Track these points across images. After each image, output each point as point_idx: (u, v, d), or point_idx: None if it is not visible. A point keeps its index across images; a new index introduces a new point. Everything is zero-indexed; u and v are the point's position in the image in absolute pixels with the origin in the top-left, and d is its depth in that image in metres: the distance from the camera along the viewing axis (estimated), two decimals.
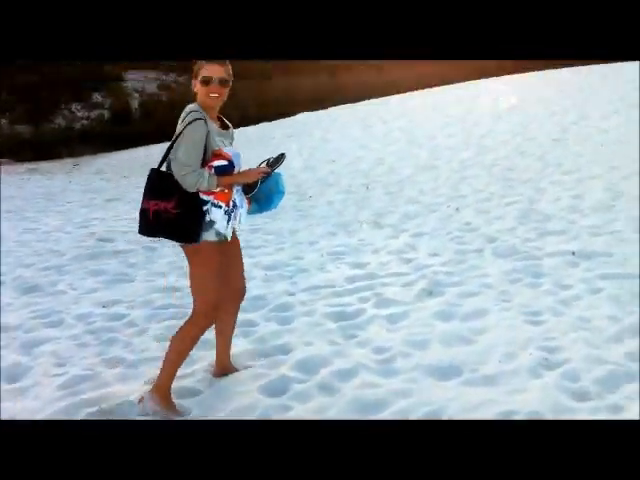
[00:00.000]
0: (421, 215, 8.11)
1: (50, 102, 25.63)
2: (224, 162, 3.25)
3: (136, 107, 26.63)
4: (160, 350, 3.98)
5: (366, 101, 20.04)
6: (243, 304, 4.91)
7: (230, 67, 3.33)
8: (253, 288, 5.45)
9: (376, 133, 14.71)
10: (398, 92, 21.88)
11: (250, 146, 14.91)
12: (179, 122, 3.24)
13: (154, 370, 3.71)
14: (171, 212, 3.15)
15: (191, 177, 3.14)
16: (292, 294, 5.26)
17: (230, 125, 3.49)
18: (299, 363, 3.91)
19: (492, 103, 15.83)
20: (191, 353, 3.56)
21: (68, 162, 18.43)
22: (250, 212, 3.51)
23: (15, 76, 25.33)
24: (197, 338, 3.44)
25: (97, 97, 26.85)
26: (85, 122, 25.67)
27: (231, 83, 3.34)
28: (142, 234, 3.32)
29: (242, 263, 3.72)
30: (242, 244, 6.82)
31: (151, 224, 3.21)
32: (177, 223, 3.16)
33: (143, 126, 24.89)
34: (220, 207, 3.24)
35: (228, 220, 3.27)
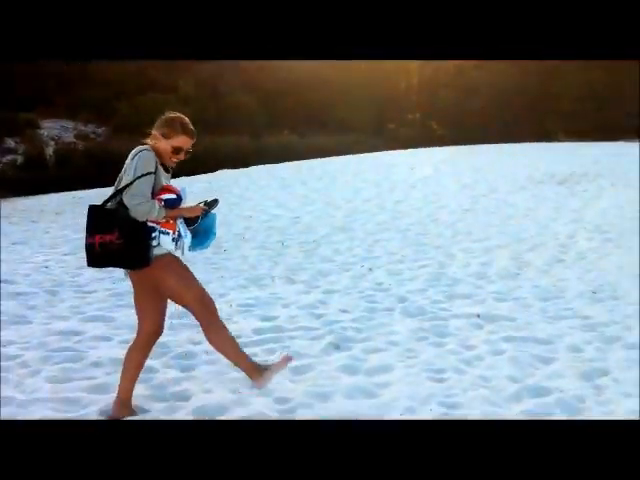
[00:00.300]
0: (334, 273, 8.13)
1: None
2: (173, 195, 3.55)
3: (50, 154, 26.09)
4: (51, 392, 3.76)
5: (287, 163, 20.25)
6: None
7: None
8: None
9: (294, 193, 14.85)
10: (318, 157, 22.41)
11: None
12: (128, 160, 3.49)
13: (43, 410, 3.49)
14: (115, 242, 3.38)
15: (144, 207, 3.39)
16: (197, 343, 5.12)
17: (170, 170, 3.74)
18: (197, 410, 3.76)
19: (407, 172, 16.33)
20: (83, 397, 3.38)
21: None
22: (192, 245, 3.74)
23: None
24: (143, 357, 3.75)
25: (10, 142, 26.13)
26: None
27: None
28: (92, 266, 3.51)
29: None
30: None
31: (99, 256, 3.42)
32: (123, 251, 3.39)
33: (57, 173, 24.39)
34: (168, 234, 3.52)
35: (175, 246, 3.55)
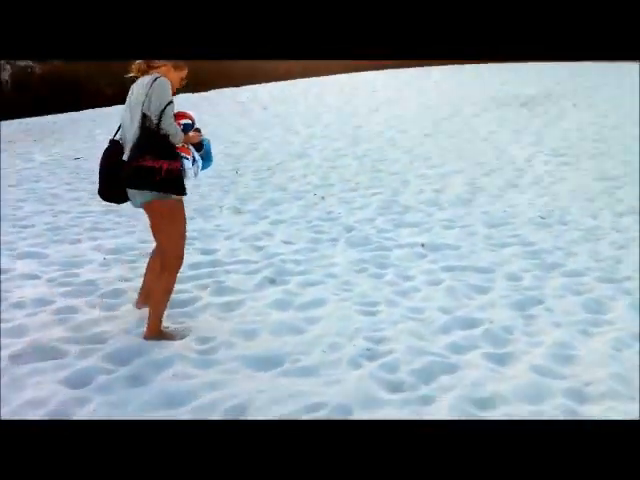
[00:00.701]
0: (285, 202, 7.97)
1: None
2: (189, 121, 3.87)
3: (6, 79, 25.11)
4: None
5: (248, 86, 19.70)
6: (68, 290, 4.61)
7: None
8: (87, 272, 5.13)
9: (254, 119, 14.49)
10: (282, 79, 21.80)
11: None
12: (144, 87, 3.64)
13: None
14: (178, 169, 3.68)
15: (179, 132, 3.67)
16: (127, 280, 4.97)
17: None
18: (113, 353, 3.65)
19: (370, 95, 15.97)
20: None
21: None
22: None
23: None
24: (174, 281, 3.95)
25: None
26: None
27: None
28: (136, 189, 3.67)
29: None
30: (90, 226, 6.45)
31: (159, 181, 3.60)
32: (180, 179, 3.70)
33: (15, 99, 23.54)
34: (187, 159, 3.77)
35: (193, 170, 3.82)
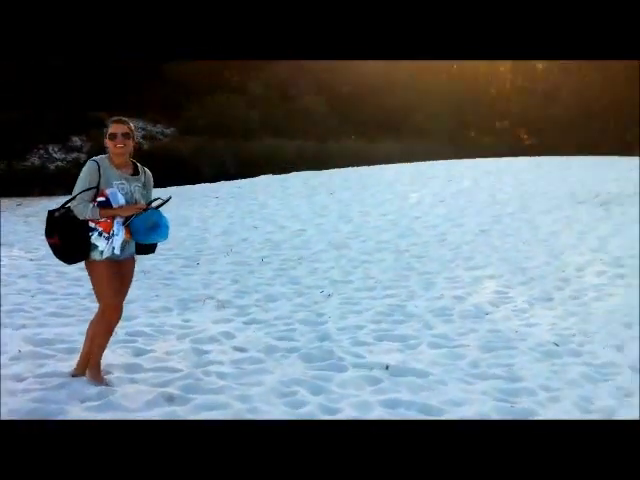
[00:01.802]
0: (284, 299, 7.31)
1: (28, 141, 25.42)
2: (103, 198, 4.14)
3: None
4: None
5: (328, 170, 19.39)
6: None
7: (131, 125, 4.32)
8: None
9: (316, 203, 14.06)
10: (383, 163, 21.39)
11: (185, 205, 14.35)
12: None
13: None
14: (57, 244, 4.21)
15: (79, 207, 4.13)
16: None
17: (143, 171, 4.45)
18: None
19: (444, 185, 15.18)
20: None
21: (16, 201, 17.90)
22: (137, 239, 4.35)
23: None
24: (109, 329, 4.43)
25: (76, 140, 26.62)
26: (60, 164, 25.39)
27: (134, 136, 4.34)
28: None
29: (127, 286, 4.53)
30: None
31: (54, 253, 4.28)
32: (63, 251, 4.23)
33: None
34: (101, 234, 4.16)
35: (107, 244, 4.15)
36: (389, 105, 33.95)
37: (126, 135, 4.23)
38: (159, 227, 4.28)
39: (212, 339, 5.71)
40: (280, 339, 5.79)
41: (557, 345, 5.76)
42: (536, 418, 4.17)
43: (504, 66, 41.72)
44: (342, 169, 19.55)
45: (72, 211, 4.14)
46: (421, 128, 34.26)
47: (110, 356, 4.91)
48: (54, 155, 25.81)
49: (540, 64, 38.57)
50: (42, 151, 25.70)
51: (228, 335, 5.85)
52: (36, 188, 22.71)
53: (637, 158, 17.52)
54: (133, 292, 7.10)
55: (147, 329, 5.88)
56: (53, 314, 6.37)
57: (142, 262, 9.07)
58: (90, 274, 4.31)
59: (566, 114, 34.37)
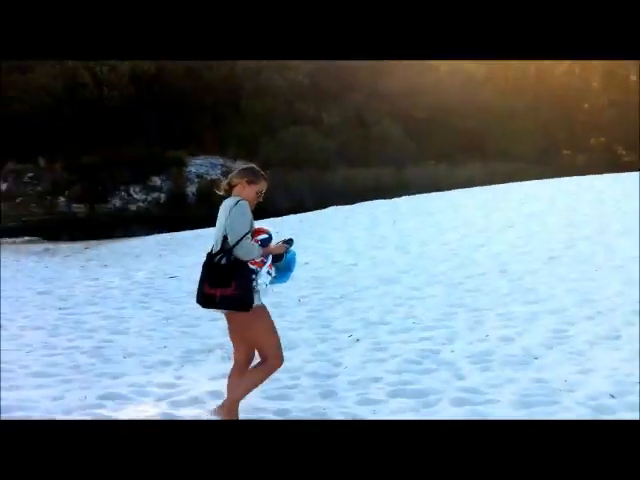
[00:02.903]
0: (303, 345, 6.50)
1: (109, 183, 25.96)
2: (266, 235, 4.06)
3: (193, 192, 26.48)
4: None
5: (393, 199, 18.41)
6: None
7: None
8: None
9: (375, 234, 13.21)
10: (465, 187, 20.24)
11: None
12: (227, 210, 3.94)
13: None
14: (234, 294, 3.88)
15: (250, 247, 3.90)
16: None
17: None
18: None
19: (516, 207, 13.96)
20: None
21: (83, 244, 17.96)
22: (270, 281, 4.12)
23: (80, 157, 25.88)
24: (269, 376, 4.23)
25: (156, 180, 26.95)
26: (141, 204, 25.75)
27: None
28: (206, 308, 4.10)
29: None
30: None
31: (218, 303, 3.95)
32: (238, 300, 3.90)
33: (196, 212, 24.47)
34: (260, 271, 3.99)
35: (262, 282, 4.01)
36: (470, 128, 32.70)
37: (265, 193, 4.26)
38: (290, 269, 4.26)
39: (190, 401, 4.96)
40: (271, 399, 4.99)
41: (613, 397, 4.67)
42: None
43: (596, 81, 39.69)
44: (411, 196, 18.57)
45: (238, 262, 3.92)
46: (506, 149, 32.76)
47: None
48: (135, 196, 26.24)
49: (634, 76, 36.30)
50: (123, 192, 26.17)
51: (215, 395, 5.08)
52: (118, 230, 23.01)
53: None
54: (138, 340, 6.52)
55: (129, 388, 5.21)
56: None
57: (169, 307, 8.57)
58: (254, 322, 4.05)
59: None
